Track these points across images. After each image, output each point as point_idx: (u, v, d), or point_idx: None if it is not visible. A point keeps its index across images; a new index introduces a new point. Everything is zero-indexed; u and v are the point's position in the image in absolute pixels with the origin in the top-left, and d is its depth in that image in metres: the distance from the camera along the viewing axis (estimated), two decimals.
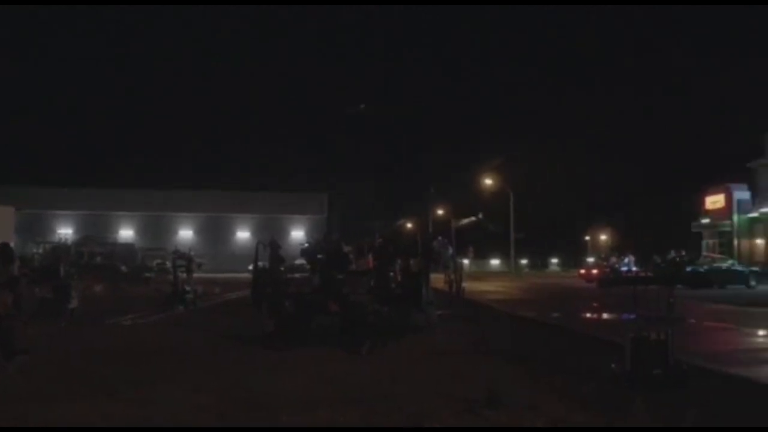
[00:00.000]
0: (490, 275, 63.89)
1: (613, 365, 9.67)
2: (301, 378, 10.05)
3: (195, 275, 25.52)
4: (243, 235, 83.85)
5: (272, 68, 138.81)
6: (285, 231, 79.10)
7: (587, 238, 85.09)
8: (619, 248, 56.25)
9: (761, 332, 16.45)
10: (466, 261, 47.30)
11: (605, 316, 21.41)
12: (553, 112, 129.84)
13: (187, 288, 23.45)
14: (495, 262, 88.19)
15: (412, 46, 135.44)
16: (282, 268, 17.69)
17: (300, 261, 26.55)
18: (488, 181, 62.51)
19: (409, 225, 55.96)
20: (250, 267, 19.20)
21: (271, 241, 17.22)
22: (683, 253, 43.46)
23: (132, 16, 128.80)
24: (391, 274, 16.91)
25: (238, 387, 9.41)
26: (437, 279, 27.32)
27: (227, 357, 12.10)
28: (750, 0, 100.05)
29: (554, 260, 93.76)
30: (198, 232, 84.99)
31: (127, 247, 59.27)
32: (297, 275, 23.88)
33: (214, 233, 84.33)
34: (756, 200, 56.00)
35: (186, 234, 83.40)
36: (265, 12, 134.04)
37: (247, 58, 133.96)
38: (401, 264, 17.21)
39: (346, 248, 18.74)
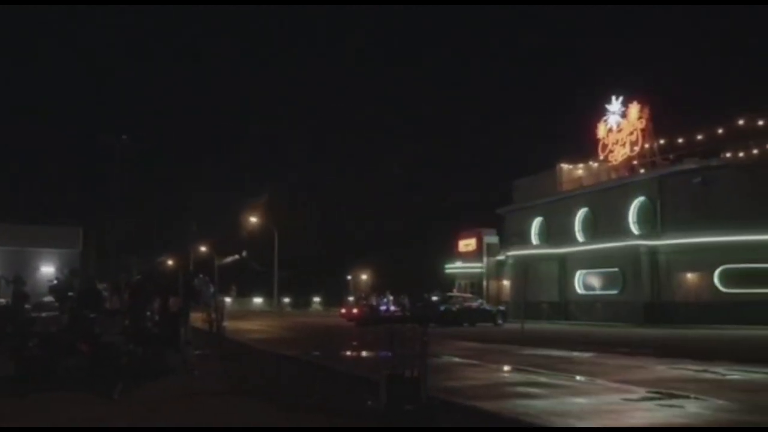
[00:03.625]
0: (253, 313, 63.41)
1: (369, 402, 9.86)
2: (45, 425, 9.33)
3: None
4: None
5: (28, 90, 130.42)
6: (33, 266, 73.80)
7: (349, 277, 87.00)
8: (378, 288, 58.06)
9: (506, 368, 17.51)
10: (228, 299, 46.61)
11: (364, 354, 21.85)
12: (318, 155, 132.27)
13: None
14: (258, 300, 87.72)
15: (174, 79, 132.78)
16: (27, 306, 16.45)
17: (48, 298, 24.83)
18: (253, 219, 62.31)
19: (169, 262, 54.39)
20: None
21: (15, 277, 16.00)
22: (437, 293, 45.63)
23: None
24: (148, 313, 16.25)
25: None
26: (197, 317, 26.67)
27: None
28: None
29: (317, 299, 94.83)
30: None
31: None
32: (44, 314, 22.25)
33: None
34: (503, 244, 60.14)
35: None
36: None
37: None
38: (159, 302, 16.59)
39: (101, 285, 17.81)
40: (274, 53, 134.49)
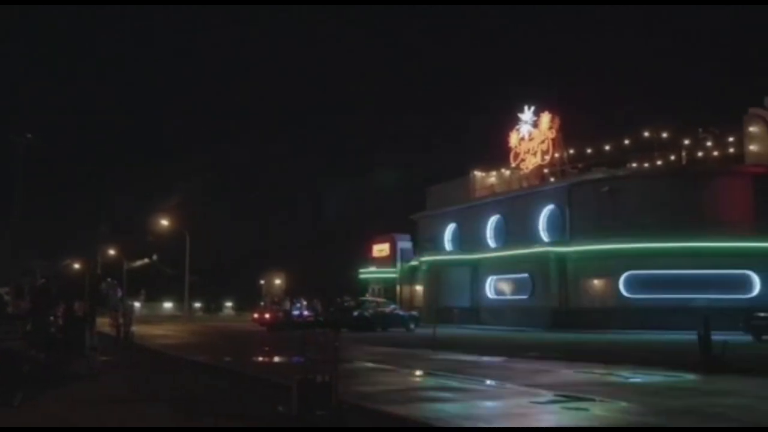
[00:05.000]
0: (163, 319, 62.14)
1: (279, 407, 9.78)
2: None
3: None
4: None
5: None
6: None
7: (262, 282, 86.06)
8: (292, 293, 57.64)
9: (418, 372, 17.65)
10: (137, 304, 45.56)
11: (276, 359, 21.70)
12: (231, 157, 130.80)
13: None
14: (168, 305, 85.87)
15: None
16: None
17: None
18: (164, 222, 61.04)
19: (76, 265, 52.88)
20: None
21: None
22: (348, 298, 45.63)
23: None
24: (52, 317, 15.77)
25: None
26: (104, 322, 26.02)
27: None
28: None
29: (229, 303, 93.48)
30: None
31: None
32: None
33: None
34: (417, 250, 60.57)
35: None
36: None
37: None
38: (64, 307, 16.13)
39: (2, 289, 17.21)
40: (188, 51, 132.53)
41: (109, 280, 25.97)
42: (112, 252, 57.95)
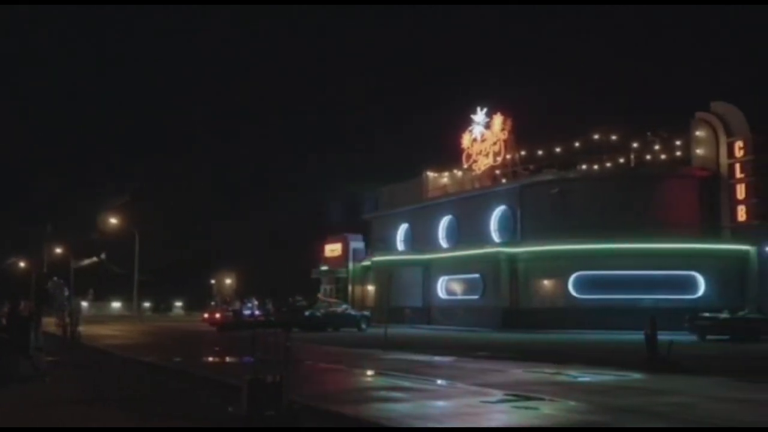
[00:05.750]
0: (111, 318, 61.29)
1: (230, 407, 9.71)
2: None
3: None
4: None
5: None
6: None
7: (213, 281, 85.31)
8: (242, 292, 57.25)
9: (369, 372, 17.66)
10: (84, 303, 44.82)
11: (227, 359, 21.53)
12: (182, 155, 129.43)
13: None
14: (117, 304, 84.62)
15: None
16: None
17: None
18: (112, 221, 60.10)
19: (21, 264, 51.87)
20: None
21: None
22: (301, 298, 45.47)
23: None
24: None
25: None
26: (51, 322, 25.56)
27: None
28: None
29: (179, 303, 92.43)
30: None
31: None
32: None
33: None
34: (369, 249, 60.61)
35: None
36: None
37: None
38: (9, 306, 15.81)
39: None
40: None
41: (55, 279, 25.49)
42: (58, 250, 56.87)
